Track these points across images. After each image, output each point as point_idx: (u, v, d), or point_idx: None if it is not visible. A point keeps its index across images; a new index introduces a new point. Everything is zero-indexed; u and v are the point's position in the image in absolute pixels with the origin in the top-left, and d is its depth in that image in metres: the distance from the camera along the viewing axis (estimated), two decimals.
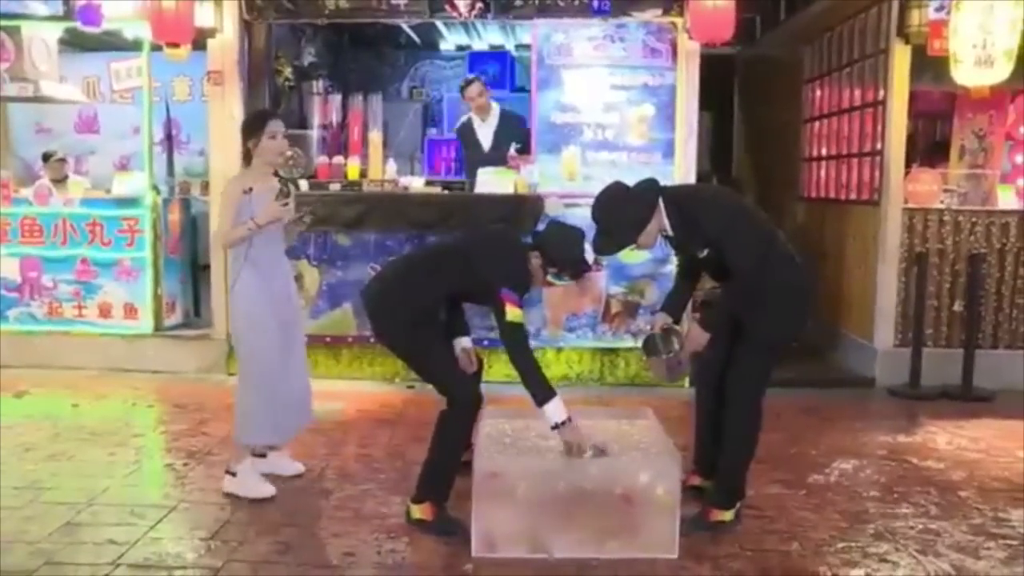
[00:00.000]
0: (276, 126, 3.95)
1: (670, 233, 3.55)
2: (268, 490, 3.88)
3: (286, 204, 3.81)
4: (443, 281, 3.61)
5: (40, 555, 3.26)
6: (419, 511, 3.53)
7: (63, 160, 7.00)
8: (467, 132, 6.50)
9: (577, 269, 3.61)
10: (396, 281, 3.69)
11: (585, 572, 3.21)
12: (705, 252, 3.53)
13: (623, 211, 3.52)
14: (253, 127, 3.95)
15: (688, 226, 3.50)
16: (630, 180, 5.79)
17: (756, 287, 3.44)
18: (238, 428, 3.93)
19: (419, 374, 3.79)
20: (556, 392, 3.37)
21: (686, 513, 3.44)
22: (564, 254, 3.56)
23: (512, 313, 3.39)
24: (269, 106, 6.44)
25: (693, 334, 3.63)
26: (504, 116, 6.35)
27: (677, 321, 3.82)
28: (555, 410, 3.34)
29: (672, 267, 5.79)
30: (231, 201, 3.85)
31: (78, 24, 5.99)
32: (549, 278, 3.60)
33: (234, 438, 3.97)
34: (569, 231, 3.69)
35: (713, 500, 3.59)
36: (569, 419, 3.35)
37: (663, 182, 5.72)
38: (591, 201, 5.71)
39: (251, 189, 3.84)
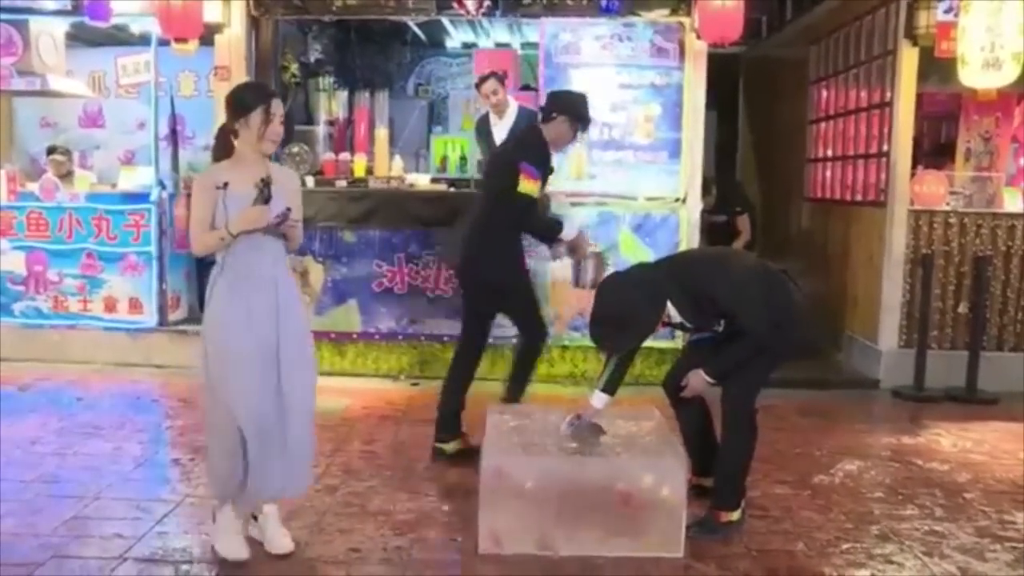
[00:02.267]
0: (278, 106, 3.21)
1: (676, 320, 3.48)
2: (241, 553, 3.23)
3: (265, 207, 3.12)
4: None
5: (47, 548, 3.27)
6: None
7: (65, 155, 7.00)
8: (483, 128, 6.44)
9: (586, 122, 4.31)
10: (475, 231, 4.31)
11: (590, 570, 3.21)
12: (721, 324, 3.48)
13: (629, 313, 3.37)
14: (256, 98, 3.16)
15: (701, 308, 3.44)
16: (636, 178, 5.91)
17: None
18: (211, 478, 3.41)
19: (517, 309, 4.30)
20: (563, 225, 4.29)
21: (693, 515, 3.44)
22: (579, 107, 4.26)
23: (524, 185, 4.07)
24: None
25: (695, 382, 3.56)
26: (520, 114, 6.28)
27: (613, 393, 3.71)
28: (570, 231, 4.28)
29: None
30: (203, 200, 3.18)
31: (86, 19, 6.00)
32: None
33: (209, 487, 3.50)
34: (572, 92, 4.62)
35: (719, 503, 3.59)
36: (580, 232, 4.35)
37: (669, 180, 5.87)
38: (597, 199, 5.84)
39: (226, 184, 3.12)
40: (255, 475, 3.17)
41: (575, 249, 4.33)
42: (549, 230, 4.31)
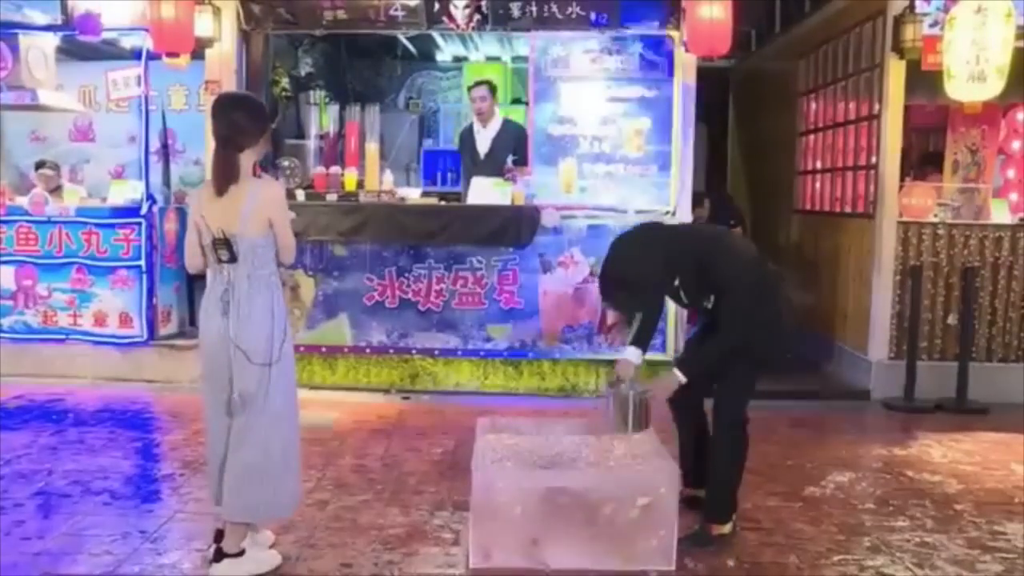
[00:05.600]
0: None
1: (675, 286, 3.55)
2: (277, 558, 3.32)
3: None
4: None
5: (37, 565, 3.25)
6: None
7: (54, 169, 6.99)
8: (466, 137, 6.54)
9: None
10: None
11: None
12: (711, 301, 3.52)
13: (637, 276, 3.42)
14: (262, 127, 3.24)
15: (700, 277, 3.49)
16: (626, 191, 5.94)
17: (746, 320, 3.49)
18: (274, 502, 3.23)
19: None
20: None
21: (685, 527, 3.44)
22: None
23: None
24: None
25: (668, 380, 3.56)
26: (505, 125, 6.38)
27: (646, 350, 3.75)
28: None
29: None
30: (285, 202, 3.28)
31: (76, 33, 6.00)
32: None
33: (251, 516, 3.24)
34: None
35: (710, 515, 3.60)
36: None
37: (660, 193, 5.90)
38: (588, 213, 5.86)
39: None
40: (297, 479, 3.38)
41: None
42: None
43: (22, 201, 6.33)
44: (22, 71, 6.30)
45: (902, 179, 6.23)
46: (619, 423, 3.59)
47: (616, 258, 3.48)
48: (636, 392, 3.58)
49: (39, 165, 7.04)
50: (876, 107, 6.13)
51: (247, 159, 3.16)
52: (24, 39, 6.27)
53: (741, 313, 3.42)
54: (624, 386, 3.63)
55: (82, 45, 6.64)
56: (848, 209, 6.61)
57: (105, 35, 6.14)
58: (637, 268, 3.41)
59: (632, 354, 3.70)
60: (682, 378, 3.50)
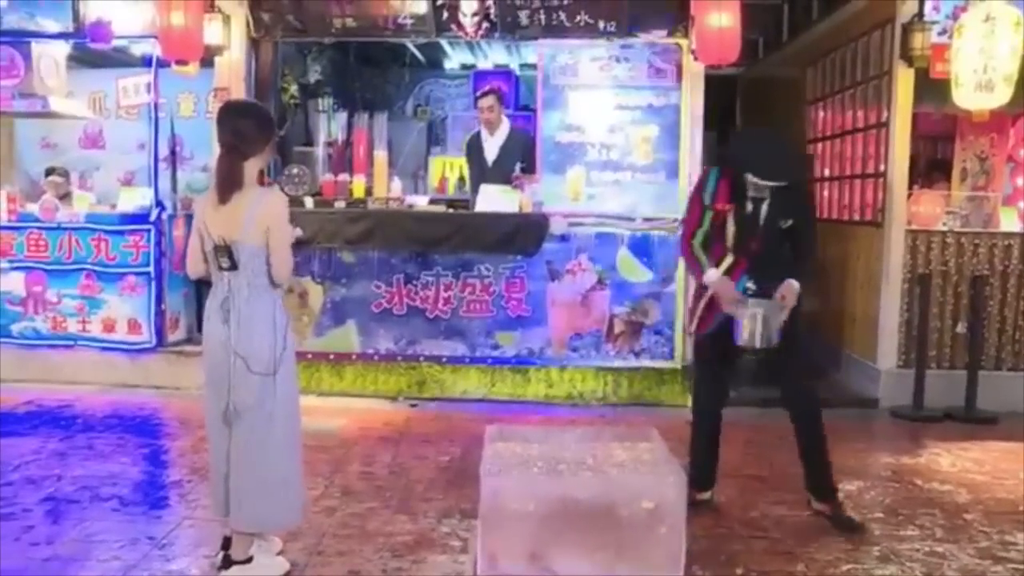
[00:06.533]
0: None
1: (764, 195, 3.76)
2: (285, 565, 3.35)
3: None
4: None
5: (46, 571, 3.26)
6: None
7: (63, 177, 7.03)
8: (474, 145, 6.55)
9: None
10: None
11: None
12: (789, 223, 3.78)
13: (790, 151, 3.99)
14: (269, 135, 3.25)
15: (789, 194, 3.74)
16: (634, 198, 5.95)
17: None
18: (281, 512, 3.25)
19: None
20: None
21: (690, 535, 3.43)
22: None
23: None
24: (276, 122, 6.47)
25: (790, 294, 3.73)
26: (512, 133, 6.39)
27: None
28: None
29: (674, 286, 5.84)
30: (287, 216, 3.21)
31: (87, 41, 6.04)
32: None
33: (258, 527, 3.26)
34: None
35: (834, 485, 3.98)
36: None
37: (667, 201, 5.91)
38: (596, 220, 5.87)
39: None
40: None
41: None
42: None
43: (32, 208, 6.36)
44: (34, 79, 6.35)
45: (910, 187, 6.22)
46: (749, 338, 3.74)
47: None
48: (764, 307, 3.71)
49: (49, 172, 7.08)
50: (884, 115, 6.11)
51: (252, 167, 3.16)
52: (36, 47, 6.32)
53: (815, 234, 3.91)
54: (752, 302, 3.74)
55: (93, 53, 6.68)
56: (856, 217, 6.59)
57: (116, 43, 6.18)
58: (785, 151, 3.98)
59: (714, 273, 3.83)
60: (716, 277, 3.78)
